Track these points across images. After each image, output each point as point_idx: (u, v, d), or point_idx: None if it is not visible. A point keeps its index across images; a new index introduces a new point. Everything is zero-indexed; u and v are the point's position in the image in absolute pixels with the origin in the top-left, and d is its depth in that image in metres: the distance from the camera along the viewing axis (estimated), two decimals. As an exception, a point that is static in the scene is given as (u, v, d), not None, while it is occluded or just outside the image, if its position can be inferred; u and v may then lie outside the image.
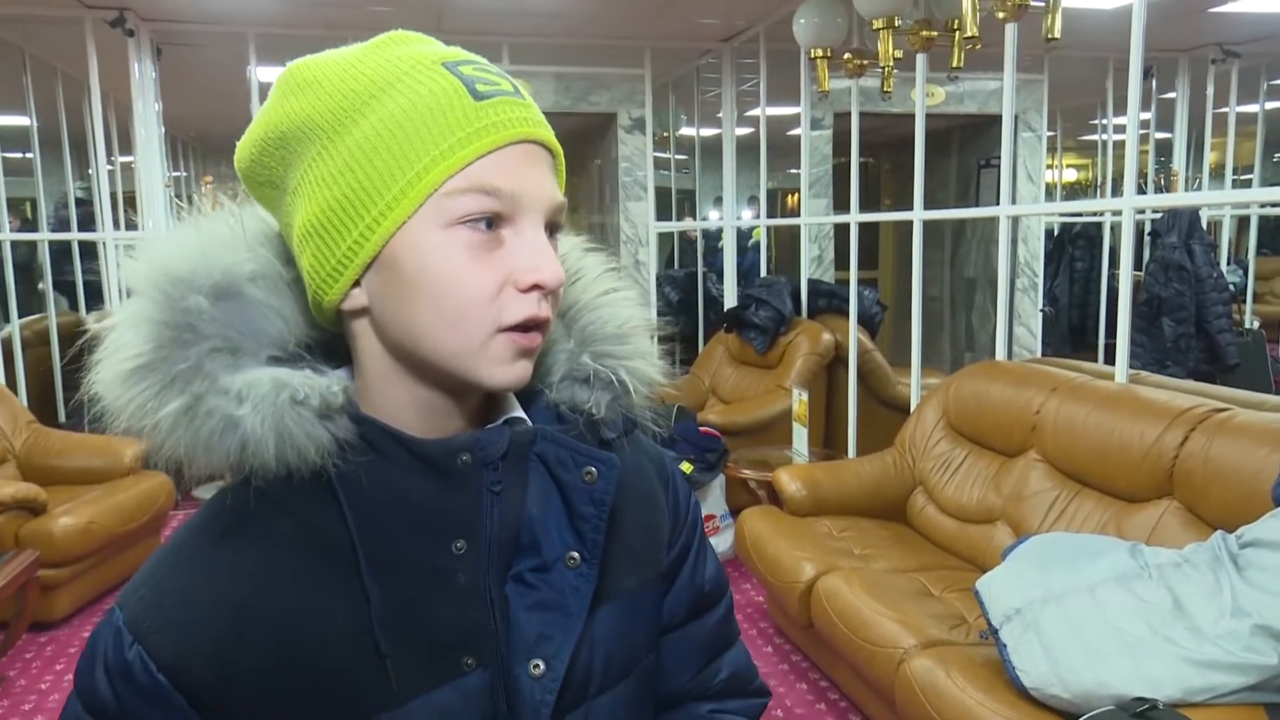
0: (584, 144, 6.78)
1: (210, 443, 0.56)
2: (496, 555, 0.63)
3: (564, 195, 0.62)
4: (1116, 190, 6.72)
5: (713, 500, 3.84)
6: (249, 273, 0.60)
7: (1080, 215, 6.08)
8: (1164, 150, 6.25)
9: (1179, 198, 5.25)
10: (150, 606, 0.59)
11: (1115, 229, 5.43)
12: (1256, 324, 5.51)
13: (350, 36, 0.62)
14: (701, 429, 3.91)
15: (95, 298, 5.81)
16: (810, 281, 4.80)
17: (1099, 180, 7.23)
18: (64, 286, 6.01)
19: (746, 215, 8.54)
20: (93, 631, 0.61)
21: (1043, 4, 2.69)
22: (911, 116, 3.57)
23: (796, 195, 9.06)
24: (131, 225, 5.78)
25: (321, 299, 0.60)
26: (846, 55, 3.53)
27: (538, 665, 0.62)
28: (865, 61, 3.48)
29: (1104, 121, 6.26)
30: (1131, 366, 2.83)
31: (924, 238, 3.61)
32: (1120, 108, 5.80)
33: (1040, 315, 6.04)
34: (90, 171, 5.70)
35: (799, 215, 4.84)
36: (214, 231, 0.61)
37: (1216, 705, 1.70)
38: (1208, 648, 1.72)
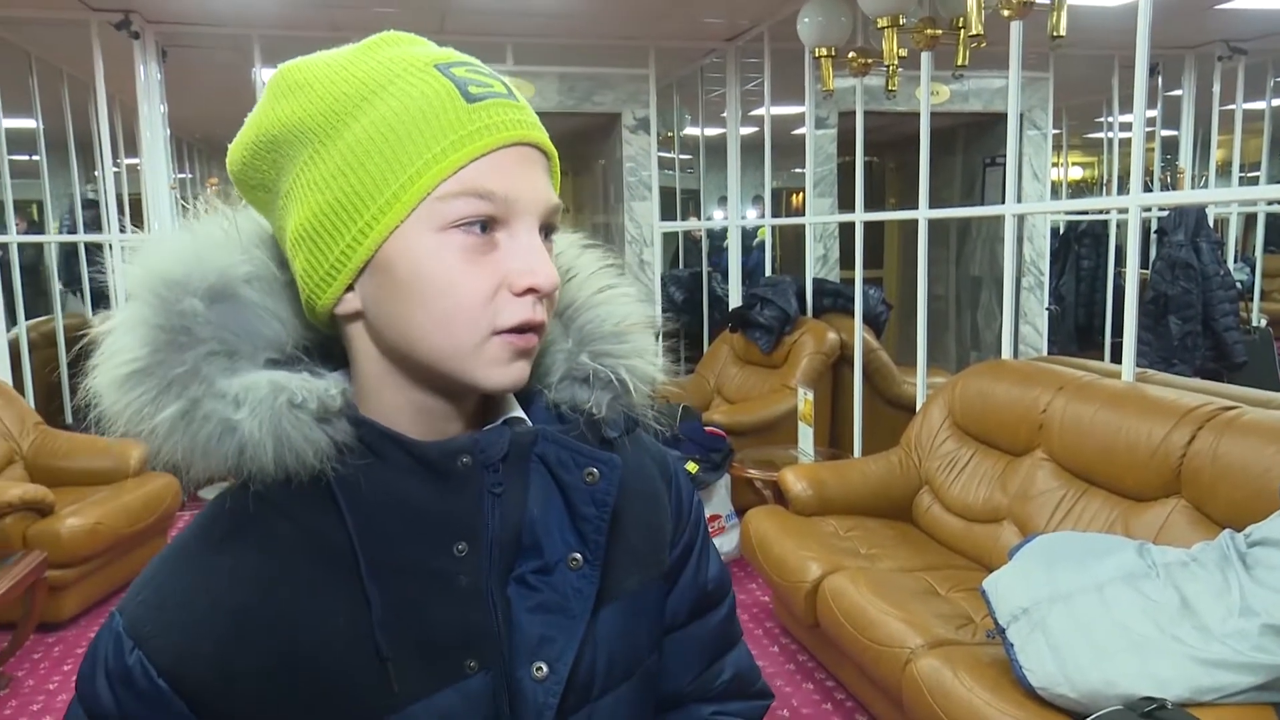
0: (588, 144, 6.78)
1: (208, 447, 0.55)
2: (498, 557, 0.62)
3: (559, 197, 0.61)
4: (1123, 188, 6.70)
5: (718, 500, 3.84)
6: (244, 274, 0.59)
7: (1086, 213, 6.07)
8: (1170, 148, 6.23)
9: (1185, 195, 5.23)
10: (150, 611, 0.59)
11: (1121, 227, 5.41)
12: (1264, 322, 5.49)
13: (354, 38, 0.62)
14: (707, 429, 3.90)
15: (103, 299, 5.83)
16: (815, 281, 4.80)
17: (1105, 178, 7.21)
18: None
19: (751, 215, 8.54)
20: (94, 637, 0.61)
21: (1048, 1, 2.69)
22: (916, 115, 3.57)
23: (801, 194, 9.05)
24: (137, 227, 5.80)
25: (315, 303, 0.59)
26: (851, 54, 3.52)
27: (540, 668, 0.62)
28: (870, 60, 3.47)
29: (1110, 119, 6.24)
30: (1138, 365, 2.82)
31: (929, 236, 3.60)
32: (1126, 105, 5.79)
33: (1046, 314, 6.02)
34: (96, 174, 5.72)
35: (804, 214, 4.83)
36: (208, 234, 0.60)
37: (1225, 705, 1.69)
38: (1216, 647, 1.71)
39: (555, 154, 0.62)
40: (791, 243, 8.63)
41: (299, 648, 0.58)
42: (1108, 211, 5.75)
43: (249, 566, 0.59)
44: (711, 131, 6.67)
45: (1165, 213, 4.81)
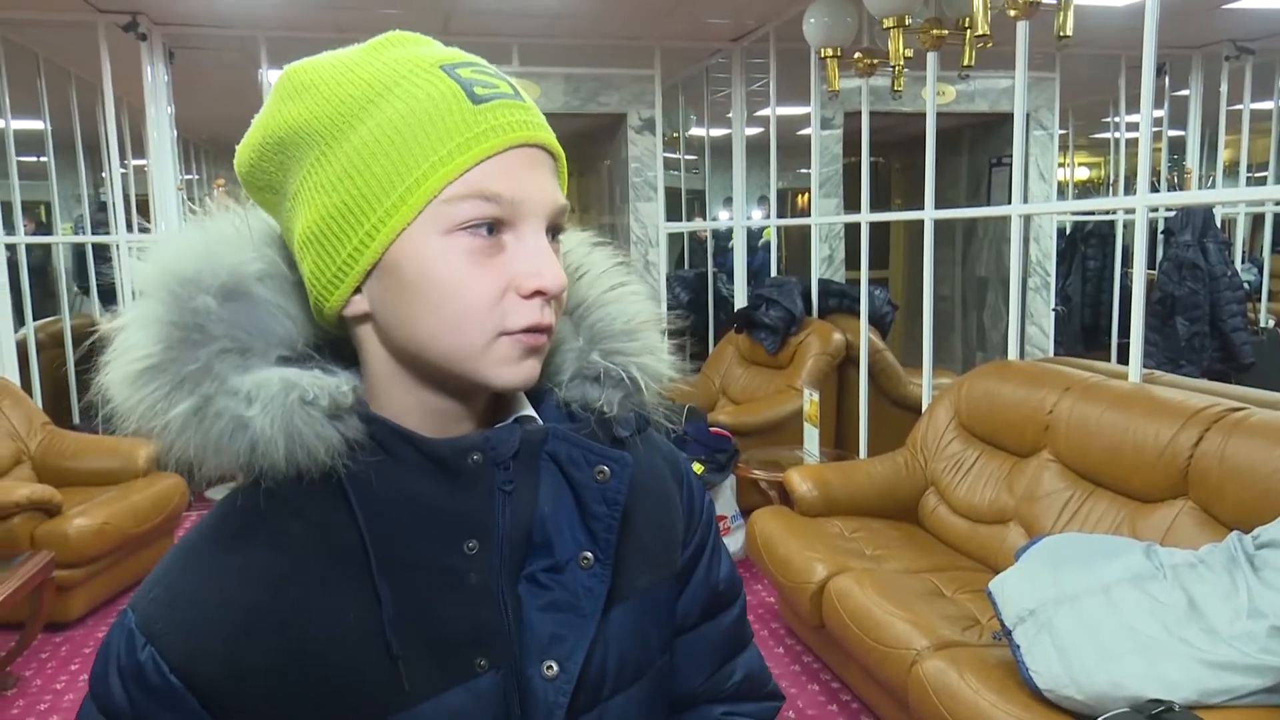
0: (593, 145, 6.78)
1: (220, 444, 0.56)
2: (509, 555, 0.62)
3: (566, 197, 0.61)
4: (1129, 188, 6.68)
5: (723, 501, 3.83)
6: (256, 272, 0.60)
7: (1093, 214, 6.05)
8: (1177, 148, 6.21)
9: (1193, 196, 5.21)
10: (162, 608, 0.59)
11: (1128, 227, 5.40)
12: (1271, 322, 5.47)
13: (360, 39, 0.62)
14: (712, 429, 3.90)
15: (111, 299, 5.85)
16: (821, 281, 4.79)
17: (1111, 178, 7.19)
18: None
19: (756, 215, 8.53)
20: (106, 634, 0.61)
21: (1054, 2, 2.68)
22: (922, 115, 3.56)
23: (807, 195, 9.04)
24: (144, 228, 5.82)
25: (323, 305, 0.59)
26: (857, 54, 3.52)
27: (551, 666, 0.62)
28: (875, 60, 3.47)
29: (1116, 119, 6.22)
30: (1145, 366, 2.81)
31: (935, 237, 3.59)
32: (1133, 105, 5.77)
33: (1053, 314, 6.01)
34: (104, 175, 5.74)
35: (809, 215, 4.83)
36: (220, 232, 0.61)
37: (1233, 707, 1.68)
38: (1223, 649, 1.71)
39: (562, 154, 0.62)
40: (797, 243, 8.62)
41: (310, 645, 0.58)
42: (1114, 212, 5.74)
43: (260, 564, 0.59)
44: (717, 132, 6.67)
45: (1172, 213, 4.80)
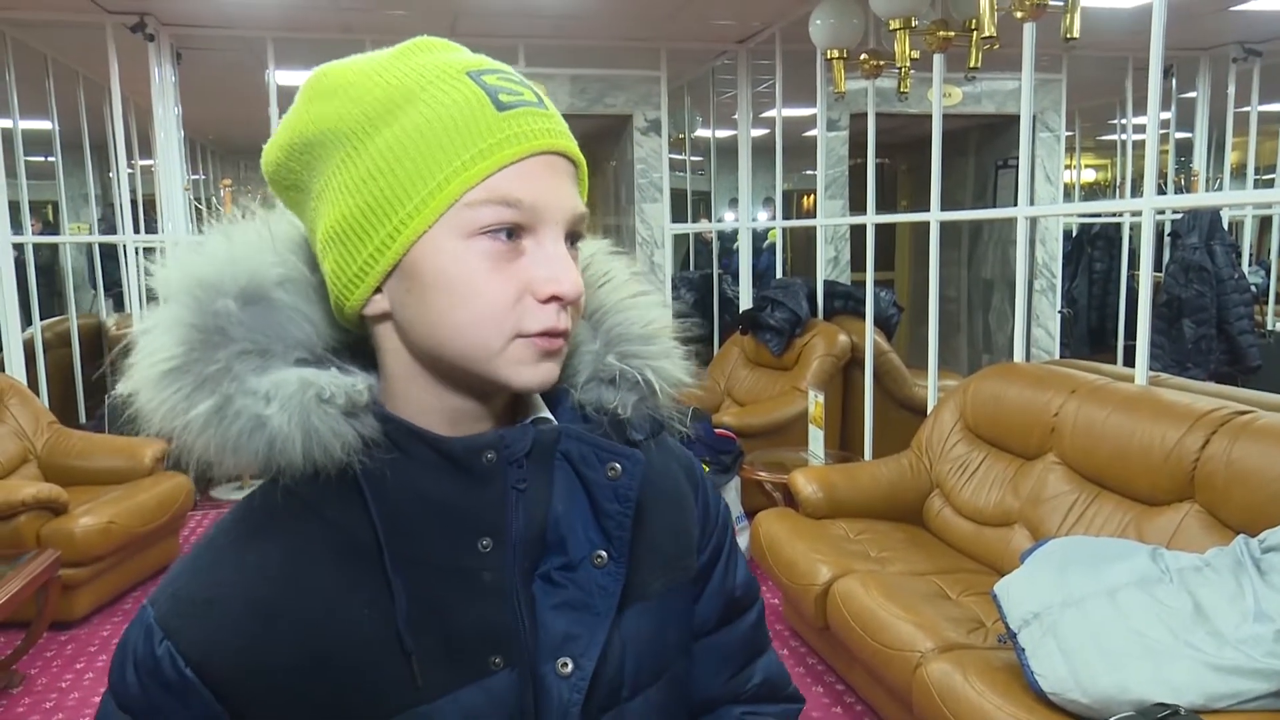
0: (599, 146, 6.79)
1: (239, 442, 0.57)
2: (522, 554, 0.63)
3: (585, 205, 0.62)
4: (1136, 190, 6.67)
5: (728, 502, 3.83)
6: (276, 277, 0.61)
7: (1099, 216, 6.03)
8: (1184, 150, 6.19)
9: (1199, 198, 5.20)
10: (180, 604, 0.60)
11: (1135, 230, 5.39)
12: (1279, 325, 5.45)
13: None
14: (717, 431, 3.90)
15: (120, 301, 5.87)
16: (826, 283, 4.78)
17: (1118, 180, 7.17)
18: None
19: (762, 217, 8.53)
20: (124, 630, 0.62)
21: (1061, 3, 2.67)
22: (928, 117, 3.56)
23: (812, 196, 9.04)
24: (150, 229, 5.85)
25: (344, 304, 0.60)
26: (863, 56, 3.52)
27: (565, 664, 0.62)
28: (882, 62, 3.46)
29: (1123, 121, 6.21)
30: (1151, 368, 2.81)
31: (941, 239, 3.59)
32: (1140, 107, 5.74)
33: (1059, 317, 6.00)
34: (111, 175, 5.76)
35: (815, 216, 4.82)
36: (243, 238, 0.62)
37: (1239, 711, 1.68)
38: (1230, 653, 1.70)
39: (583, 162, 0.63)
40: (802, 245, 8.62)
41: (324, 642, 0.59)
42: (1121, 214, 5.72)
43: (276, 561, 0.60)
44: (723, 133, 6.67)
45: (1179, 215, 4.78)
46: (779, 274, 5.36)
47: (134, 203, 5.17)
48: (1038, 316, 6.12)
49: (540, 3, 4.29)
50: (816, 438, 3.76)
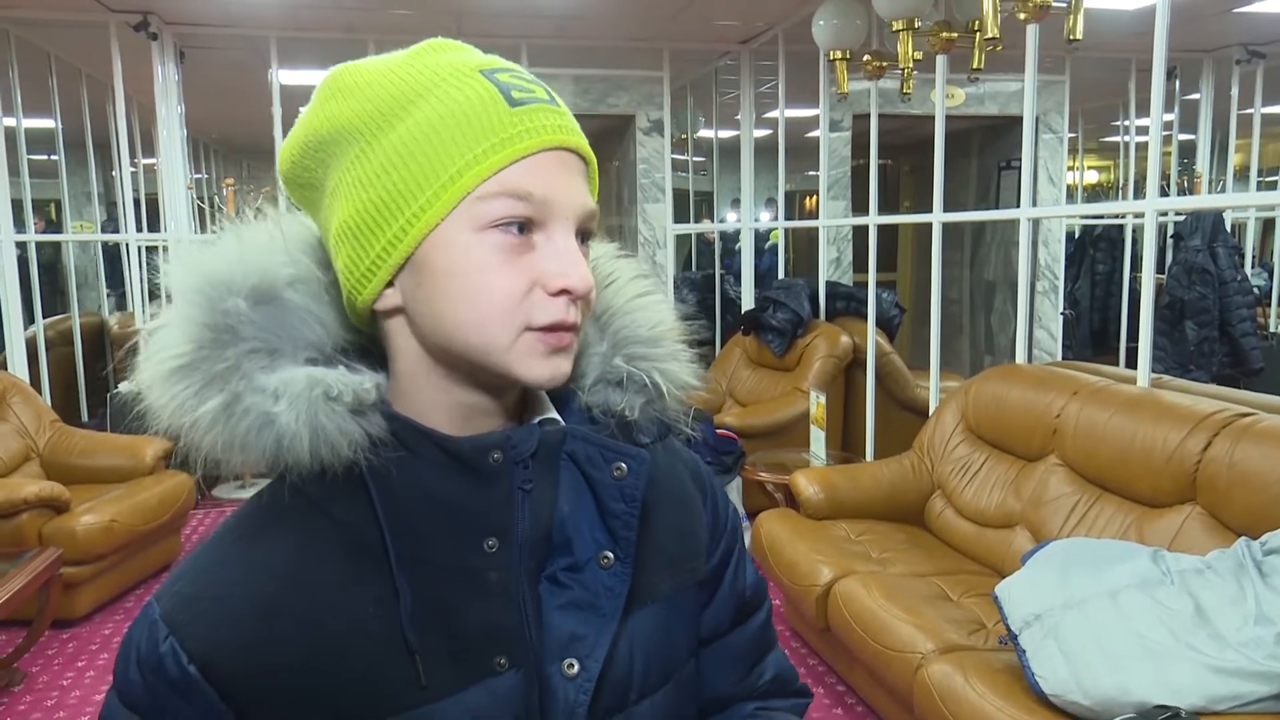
0: (602, 146, 6.80)
1: (247, 439, 0.57)
2: (528, 554, 0.63)
3: (596, 203, 0.62)
4: (1139, 192, 6.66)
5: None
6: (287, 277, 0.61)
7: (1102, 217, 6.03)
8: (1187, 152, 6.19)
9: (1202, 200, 5.19)
10: (185, 601, 0.60)
11: (1137, 231, 5.38)
12: (1281, 327, 5.44)
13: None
14: (718, 431, 3.90)
15: (121, 299, 5.88)
16: (828, 284, 4.79)
17: (1121, 182, 7.16)
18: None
19: (764, 217, 8.53)
20: (129, 627, 0.62)
21: (1064, 5, 2.67)
22: (931, 118, 3.56)
23: (815, 197, 9.03)
24: (154, 227, 5.85)
25: (356, 299, 0.61)
26: (866, 57, 3.51)
27: (571, 665, 0.62)
28: (885, 63, 3.46)
29: (1126, 123, 6.20)
30: (1154, 370, 2.80)
31: (943, 240, 3.59)
32: (1143, 109, 5.75)
33: (1061, 318, 5.99)
34: (114, 174, 5.77)
35: (817, 217, 4.82)
36: (255, 239, 0.62)
37: (1240, 714, 1.68)
38: (1231, 655, 1.70)
39: (594, 160, 0.63)
40: (805, 246, 8.62)
41: (329, 640, 0.59)
42: (1124, 216, 5.72)
43: (282, 559, 0.60)
44: (725, 134, 6.67)
45: (1182, 217, 4.78)
46: (781, 274, 5.36)
47: (137, 201, 5.17)
48: (1040, 318, 6.11)
49: (544, 3, 4.30)
50: (818, 438, 3.76)
